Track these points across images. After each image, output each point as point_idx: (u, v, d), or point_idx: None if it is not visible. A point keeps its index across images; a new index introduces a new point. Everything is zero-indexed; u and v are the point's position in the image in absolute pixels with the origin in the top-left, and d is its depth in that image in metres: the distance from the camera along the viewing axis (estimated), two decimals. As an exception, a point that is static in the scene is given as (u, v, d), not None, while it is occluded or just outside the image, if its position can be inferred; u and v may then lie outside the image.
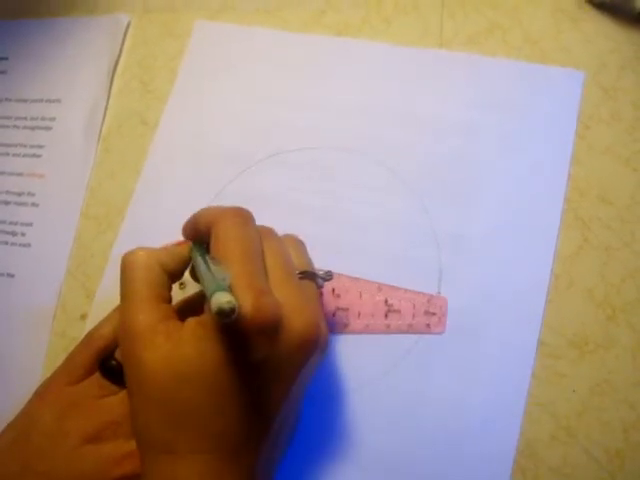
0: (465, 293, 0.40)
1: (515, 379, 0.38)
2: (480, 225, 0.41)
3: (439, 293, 0.40)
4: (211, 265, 0.29)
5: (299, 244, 0.36)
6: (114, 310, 0.37)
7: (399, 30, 0.47)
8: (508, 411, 0.37)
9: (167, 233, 0.42)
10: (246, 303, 0.27)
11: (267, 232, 0.33)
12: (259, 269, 0.30)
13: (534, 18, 0.45)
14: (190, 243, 0.35)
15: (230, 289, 0.26)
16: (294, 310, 0.29)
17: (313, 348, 0.30)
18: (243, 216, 0.32)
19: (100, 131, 0.48)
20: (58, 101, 0.49)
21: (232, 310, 0.25)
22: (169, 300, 0.33)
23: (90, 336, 0.36)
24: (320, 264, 0.38)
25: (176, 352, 0.29)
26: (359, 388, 0.39)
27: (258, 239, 0.31)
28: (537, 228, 0.41)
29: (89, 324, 0.43)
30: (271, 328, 0.28)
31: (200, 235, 0.34)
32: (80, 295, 0.44)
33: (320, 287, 0.35)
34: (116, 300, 0.39)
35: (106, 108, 0.49)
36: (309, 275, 0.34)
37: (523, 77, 0.44)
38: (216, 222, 0.31)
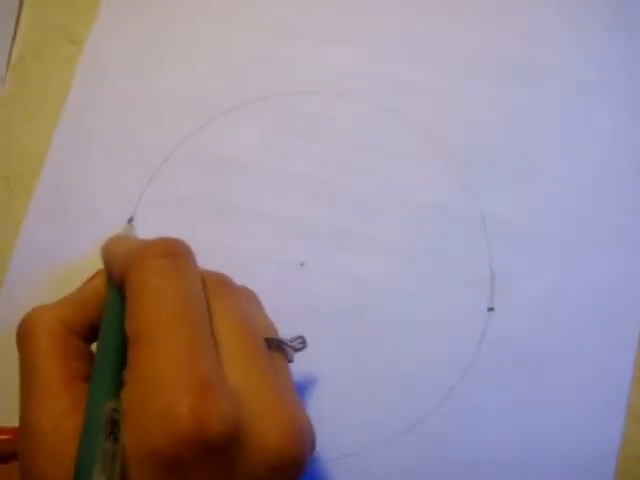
0: (527, 308, 0.29)
1: (600, 428, 0.27)
2: (548, 209, 0.30)
3: (492, 309, 0.28)
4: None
5: (254, 298, 0.26)
6: None
7: None
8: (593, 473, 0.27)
9: (97, 203, 0.32)
10: (180, 407, 0.19)
11: (216, 281, 0.24)
12: (203, 344, 0.21)
13: None
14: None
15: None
16: (264, 406, 0.21)
17: (297, 467, 0.21)
18: (174, 255, 0.22)
19: (10, 53, 0.35)
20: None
21: None
22: (85, 371, 0.23)
23: None
24: (318, 262, 0.29)
25: None
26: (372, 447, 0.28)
27: (200, 293, 0.22)
28: (626, 212, 0.30)
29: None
30: (221, 446, 0.19)
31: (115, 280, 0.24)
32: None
33: (290, 361, 0.25)
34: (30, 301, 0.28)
35: (17, 20, 0.35)
36: (276, 345, 0.24)
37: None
38: (130, 271, 0.22)
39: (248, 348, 0.22)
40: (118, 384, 0.21)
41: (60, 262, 0.31)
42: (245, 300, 0.24)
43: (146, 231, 0.30)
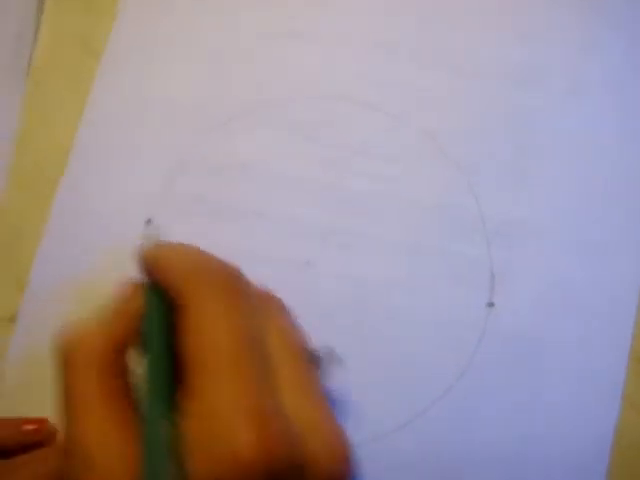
0: (527, 305, 0.29)
1: (597, 426, 0.28)
2: (547, 209, 0.30)
3: (492, 304, 0.29)
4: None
5: (286, 309, 0.26)
6: None
7: None
8: (589, 470, 0.28)
9: (115, 211, 0.32)
10: (245, 435, 0.19)
11: (269, 303, 0.24)
12: (264, 374, 0.21)
13: None
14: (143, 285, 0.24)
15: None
16: (316, 430, 0.21)
17: None
18: (235, 287, 0.22)
19: (29, 58, 0.35)
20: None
21: None
22: (127, 387, 0.23)
23: None
24: (326, 265, 0.30)
25: None
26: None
27: (256, 319, 0.22)
28: (626, 212, 0.30)
29: (20, 329, 0.32)
30: (283, 473, 0.19)
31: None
32: (9, 288, 0.32)
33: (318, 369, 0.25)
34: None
35: (38, 26, 0.36)
36: (313, 359, 0.24)
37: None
38: (190, 297, 0.22)
39: (300, 371, 0.22)
40: (173, 404, 0.21)
41: (80, 271, 0.32)
42: (285, 315, 0.25)
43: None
